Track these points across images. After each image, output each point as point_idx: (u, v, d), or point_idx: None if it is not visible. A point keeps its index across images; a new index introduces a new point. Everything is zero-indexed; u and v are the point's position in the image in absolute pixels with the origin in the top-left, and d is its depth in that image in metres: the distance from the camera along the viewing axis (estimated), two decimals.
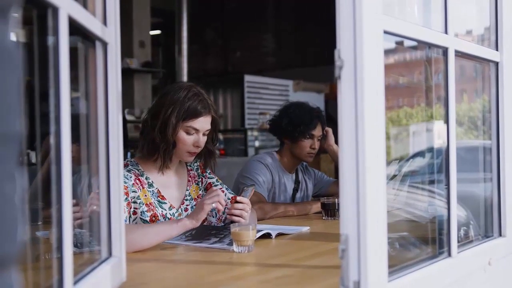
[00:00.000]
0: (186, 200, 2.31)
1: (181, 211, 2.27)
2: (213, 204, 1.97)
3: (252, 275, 1.63)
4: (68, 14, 1.04)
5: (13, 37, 0.57)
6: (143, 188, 2.17)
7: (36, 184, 1.88)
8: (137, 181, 2.16)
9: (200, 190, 2.37)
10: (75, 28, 1.12)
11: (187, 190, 2.33)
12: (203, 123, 2.19)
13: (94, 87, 1.35)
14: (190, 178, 2.36)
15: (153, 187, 2.20)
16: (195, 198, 2.33)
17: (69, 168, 1.03)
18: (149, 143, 2.19)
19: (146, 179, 2.20)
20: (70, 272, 1.03)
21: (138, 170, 2.20)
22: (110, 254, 1.37)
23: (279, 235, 2.16)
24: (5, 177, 0.54)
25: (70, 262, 1.03)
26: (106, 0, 1.36)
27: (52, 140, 1.01)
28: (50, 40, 1.02)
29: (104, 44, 1.35)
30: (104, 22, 1.35)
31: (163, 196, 2.22)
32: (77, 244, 1.36)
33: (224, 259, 1.78)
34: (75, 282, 1.10)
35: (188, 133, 2.17)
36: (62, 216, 1.01)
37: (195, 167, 2.40)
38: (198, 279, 1.56)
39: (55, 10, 1.00)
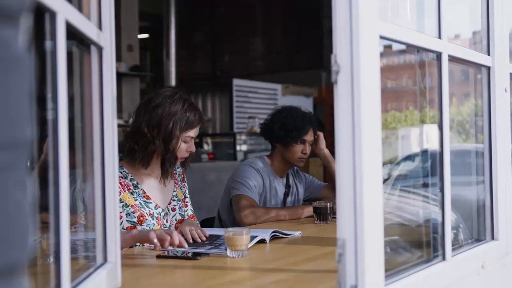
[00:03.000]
0: (174, 200, 2.40)
1: (168, 210, 2.35)
2: (155, 240, 1.91)
3: (248, 280, 1.63)
4: (65, 19, 1.03)
5: (23, 43, 0.56)
6: (125, 191, 2.22)
7: None
8: (119, 184, 2.17)
9: (182, 194, 2.46)
10: (71, 33, 1.11)
11: (174, 191, 2.41)
12: (197, 130, 2.33)
13: (89, 92, 1.35)
14: (176, 181, 2.45)
15: (139, 188, 2.27)
16: (181, 200, 2.43)
17: (66, 173, 1.02)
18: (150, 154, 2.24)
19: (130, 181, 2.26)
20: (67, 278, 1.02)
21: (121, 173, 2.25)
22: (105, 259, 1.37)
23: (274, 238, 2.17)
24: (16, 184, 0.54)
25: (68, 268, 1.02)
26: (101, 4, 1.35)
27: (49, 145, 1.01)
28: (47, 44, 1.01)
29: (100, 49, 1.34)
30: (99, 27, 1.34)
31: (148, 196, 2.28)
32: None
33: (219, 264, 1.78)
34: None
35: (185, 142, 2.28)
36: (60, 222, 1.00)
37: (178, 173, 2.49)
38: (193, 285, 1.56)
39: (53, 14, 0.99)
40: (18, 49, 0.55)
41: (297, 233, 2.34)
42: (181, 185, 2.47)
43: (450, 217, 1.54)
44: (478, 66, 1.84)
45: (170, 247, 1.98)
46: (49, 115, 1.01)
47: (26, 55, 0.57)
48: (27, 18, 0.59)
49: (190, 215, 2.45)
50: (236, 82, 8.15)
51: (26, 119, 0.56)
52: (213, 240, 2.13)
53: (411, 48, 1.61)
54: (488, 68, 1.83)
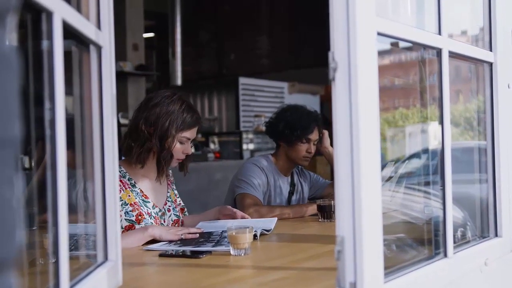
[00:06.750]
0: (168, 201, 2.44)
1: (165, 210, 2.39)
2: (182, 236, 2.12)
3: (249, 277, 1.63)
4: (62, 18, 1.03)
5: (10, 41, 0.57)
6: (126, 189, 2.26)
7: (31, 189, 1.88)
8: (119, 182, 2.21)
9: (175, 196, 2.51)
10: (69, 32, 1.12)
11: (168, 192, 2.46)
12: (195, 132, 2.36)
13: (89, 91, 1.35)
14: (169, 182, 2.50)
15: (136, 187, 2.30)
16: (174, 201, 2.47)
17: (64, 172, 1.03)
18: (146, 152, 2.27)
19: (128, 180, 2.30)
20: (66, 277, 1.03)
21: (120, 172, 2.27)
22: (106, 258, 1.37)
23: (277, 236, 2.18)
24: (5, 181, 0.54)
25: (66, 267, 1.03)
26: (100, 3, 1.36)
27: (47, 144, 1.01)
28: (44, 44, 1.02)
29: (99, 48, 1.35)
30: (98, 26, 1.35)
31: (146, 195, 2.32)
32: (71, 247, 1.36)
33: (221, 262, 1.78)
34: (71, 286, 1.10)
35: (181, 142, 2.31)
36: (58, 221, 1.01)
37: (170, 175, 2.54)
38: (194, 283, 1.56)
39: (49, 14, 1.00)
40: (5, 48, 0.56)
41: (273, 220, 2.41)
42: (173, 187, 2.52)
43: (451, 214, 1.53)
44: (480, 62, 1.83)
45: (172, 247, 1.98)
46: (47, 115, 1.01)
47: (13, 53, 0.57)
48: (14, 17, 0.60)
49: (175, 220, 2.44)
50: (242, 80, 8.15)
51: (14, 117, 0.57)
52: (208, 237, 2.12)
53: (415, 45, 1.60)
54: (491, 64, 1.82)
